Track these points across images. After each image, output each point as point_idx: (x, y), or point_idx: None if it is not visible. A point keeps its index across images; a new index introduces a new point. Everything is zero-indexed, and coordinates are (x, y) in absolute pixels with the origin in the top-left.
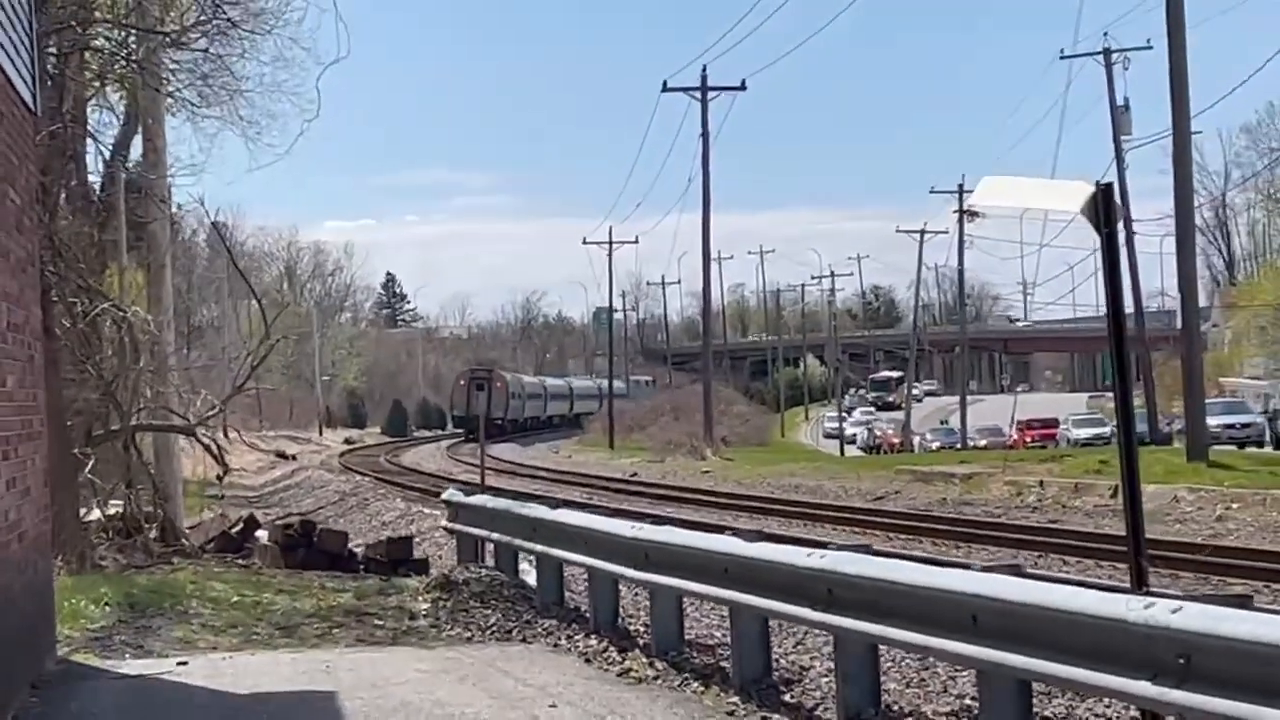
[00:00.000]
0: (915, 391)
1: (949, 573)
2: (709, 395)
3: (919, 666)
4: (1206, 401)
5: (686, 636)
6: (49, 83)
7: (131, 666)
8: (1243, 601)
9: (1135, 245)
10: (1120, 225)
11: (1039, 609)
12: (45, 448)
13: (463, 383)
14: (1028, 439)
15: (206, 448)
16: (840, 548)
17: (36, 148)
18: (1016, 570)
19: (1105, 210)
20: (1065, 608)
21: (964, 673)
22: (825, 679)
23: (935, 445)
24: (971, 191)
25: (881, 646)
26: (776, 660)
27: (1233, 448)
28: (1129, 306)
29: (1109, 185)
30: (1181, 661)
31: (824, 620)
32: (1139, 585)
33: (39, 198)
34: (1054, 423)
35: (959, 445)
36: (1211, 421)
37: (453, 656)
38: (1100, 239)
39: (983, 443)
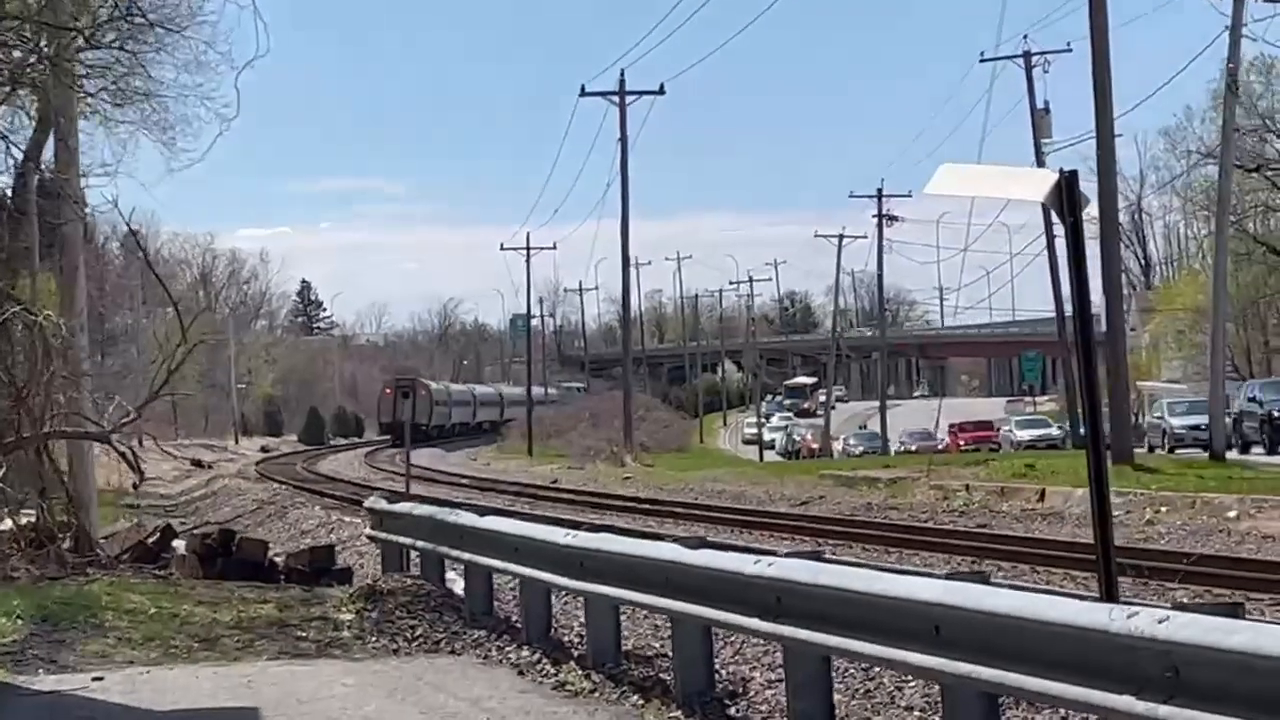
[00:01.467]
0: (831, 397)
1: (909, 580)
2: (629, 401)
3: (864, 676)
4: (1168, 402)
5: (624, 647)
6: None
7: (45, 682)
8: (1234, 610)
9: (1055, 249)
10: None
11: (1010, 619)
12: None
13: (388, 391)
14: (961, 442)
15: (122, 455)
16: (789, 554)
17: None
18: (982, 578)
19: (1069, 198)
20: (1041, 617)
21: (913, 682)
22: (771, 690)
23: (859, 450)
24: (891, 196)
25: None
26: (717, 671)
27: (1198, 451)
28: (1052, 311)
29: (1074, 172)
30: (1169, 675)
31: (773, 630)
32: (1109, 595)
33: None
34: (989, 425)
35: (878, 450)
36: (1175, 423)
37: (380, 669)
38: (1065, 227)
39: (913, 447)
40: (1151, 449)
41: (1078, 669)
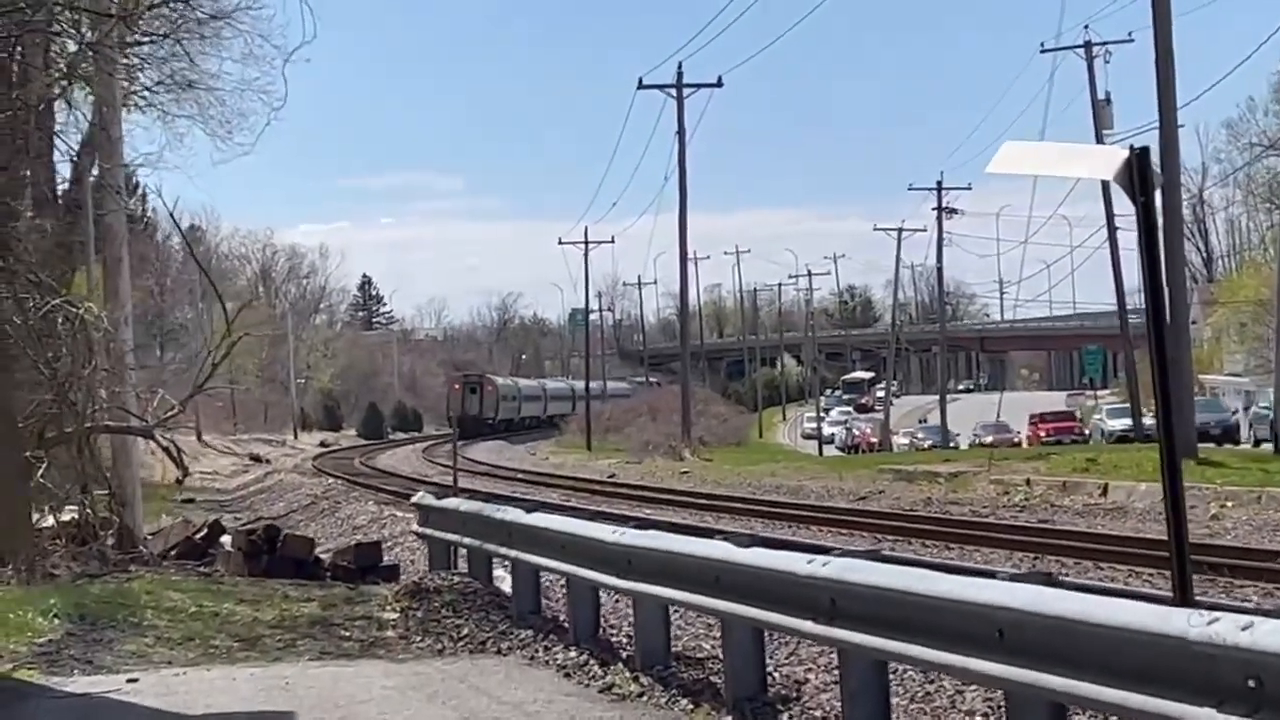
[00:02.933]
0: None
1: (972, 582)
2: (687, 396)
3: (923, 679)
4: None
5: (674, 648)
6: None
7: (77, 684)
8: None
9: (1117, 241)
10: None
11: (1078, 623)
12: None
13: (456, 386)
14: (1042, 434)
15: (166, 450)
16: (845, 553)
17: None
18: (1049, 579)
19: (1141, 177)
20: (1111, 623)
21: (974, 686)
22: (825, 694)
23: (927, 444)
24: (950, 189)
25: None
26: (770, 674)
27: (1210, 445)
28: (1112, 305)
29: (1145, 149)
30: (1253, 686)
31: (827, 634)
32: (1184, 597)
33: None
34: (1070, 415)
35: (951, 444)
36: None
37: (422, 671)
38: (1136, 207)
39: (988, 439)
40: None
41: (1152, 678)
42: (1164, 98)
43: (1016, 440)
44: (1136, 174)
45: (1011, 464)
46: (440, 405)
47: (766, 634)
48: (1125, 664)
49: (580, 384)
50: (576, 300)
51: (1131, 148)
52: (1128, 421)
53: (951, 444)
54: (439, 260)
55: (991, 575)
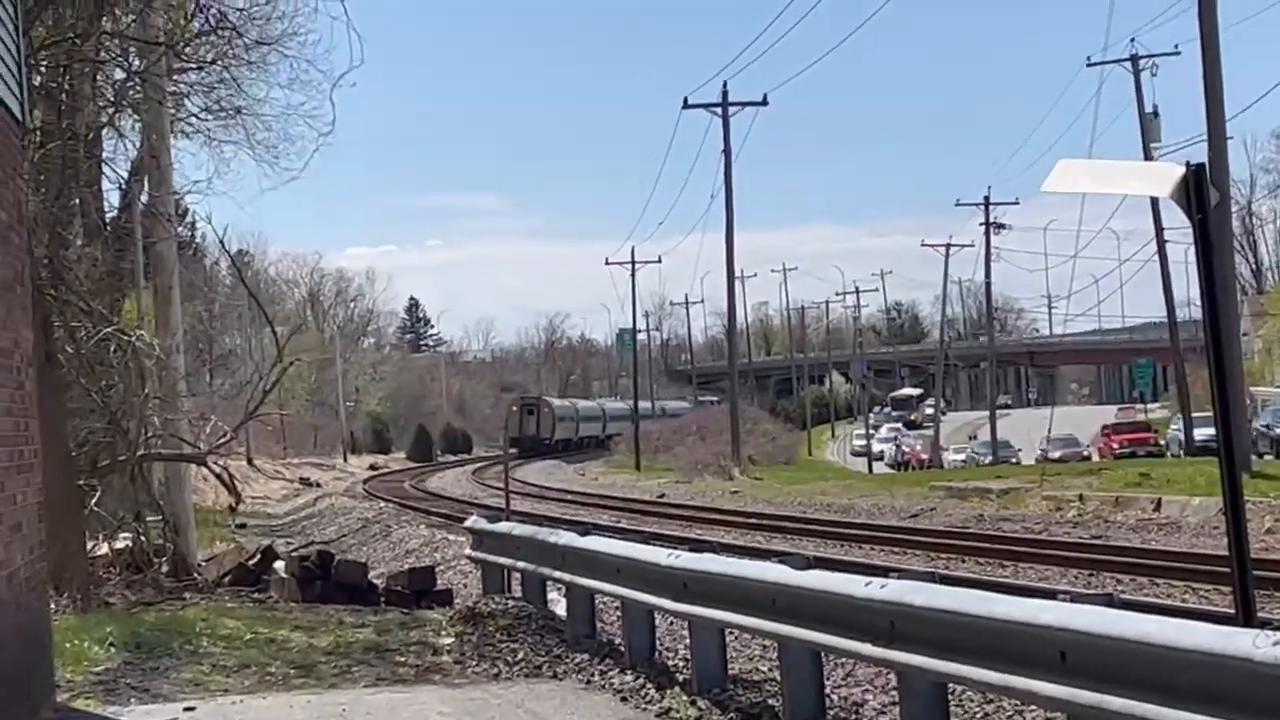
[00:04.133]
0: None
1: (1032, 603)
2: (735, 414)
3: (982, 700)
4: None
5: (730, 671)
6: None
7: (134, 713)
8: None
9: (1166, 254)
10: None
11: (1140, 645)
12: (39, 481)
13: (514, 408)
14: (1115, 445)
15: (218, 477)
16: (903, 575)
17: (35, 165)
18: (1109, 599)
19: (1197, 193)
20: (1173, 644)
21: (1033, 709)
22: (884, 717)
23: (986, 459)
24: (998, 204)
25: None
26: (828, 695)
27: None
28: (1162, 317)
29: (1200, 166)
30: None
31: (886, 656)
32: (1246, 617)
33: (37, 218)
34: (1145, 426)
35: (1012, 460)
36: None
37: (479, 697)
38: (1193, 224)
39: (1056, 454)
40: (1260, 455)
41: (1217, 699)
42: (1212, 110)
43: (1086, 454)
44: (1193, 191)
45: (1063, 479)
46: (488, 427)
47: (824, 656)
48: (1189, 686)
49: (654, 404)
50: (624, 320)
51: (1187, 164)
52: (1210, 431)
53: (1012, 460)
54: (486, 282)
55: (1051, 595)
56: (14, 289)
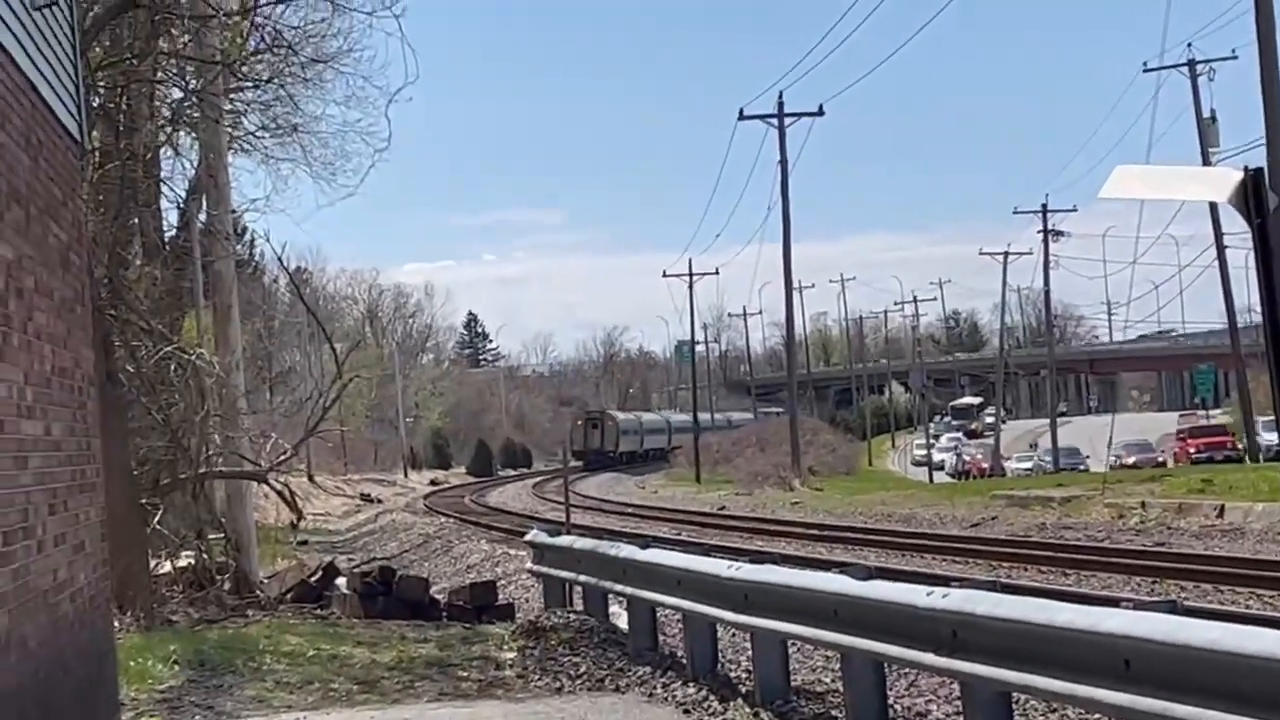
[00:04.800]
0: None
1: (1095, 611)
2: (795, 425)
3: (1046, 709)
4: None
5: (793, 682)
6: (120, 120)
7: None
8: None
9: (1226, 259)
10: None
11: (1205, 652)
12: (102, 500)
13: (579, 423)
14: (1191, 450)
15: (279, 494)
16: (965, 584)
17: (94, 186)
18: (1172, 606)
19: (1256, 198)
20: (1239, 650)
21: (1098, 717)
22: None
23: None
24: (1056, 211)
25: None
26: (891, 705)
27: None
28: (1223, 322)
29: (1259, 170)
30: None
31: (949, 666)
32: None
33: (97, 238)
34: (1222, 430)
35: (1081, 467)
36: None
37: (541, 710)
38: (1252, 229)
39: (1129, 460)
40: None
41: None
42: (1270, 114)
43: (1161, 459)
44: (1251, 195)
45: (1125, 486)
46: (547, 441)
47: (886, 666)
48: (1254, 692)
49: (714, 416)
50: (682, 333)
51: (1245, 169)
52: (1272, 437)
53: (1080, 467)
54: (544, 296)
55: (1115, 603)
56: (74, 309)
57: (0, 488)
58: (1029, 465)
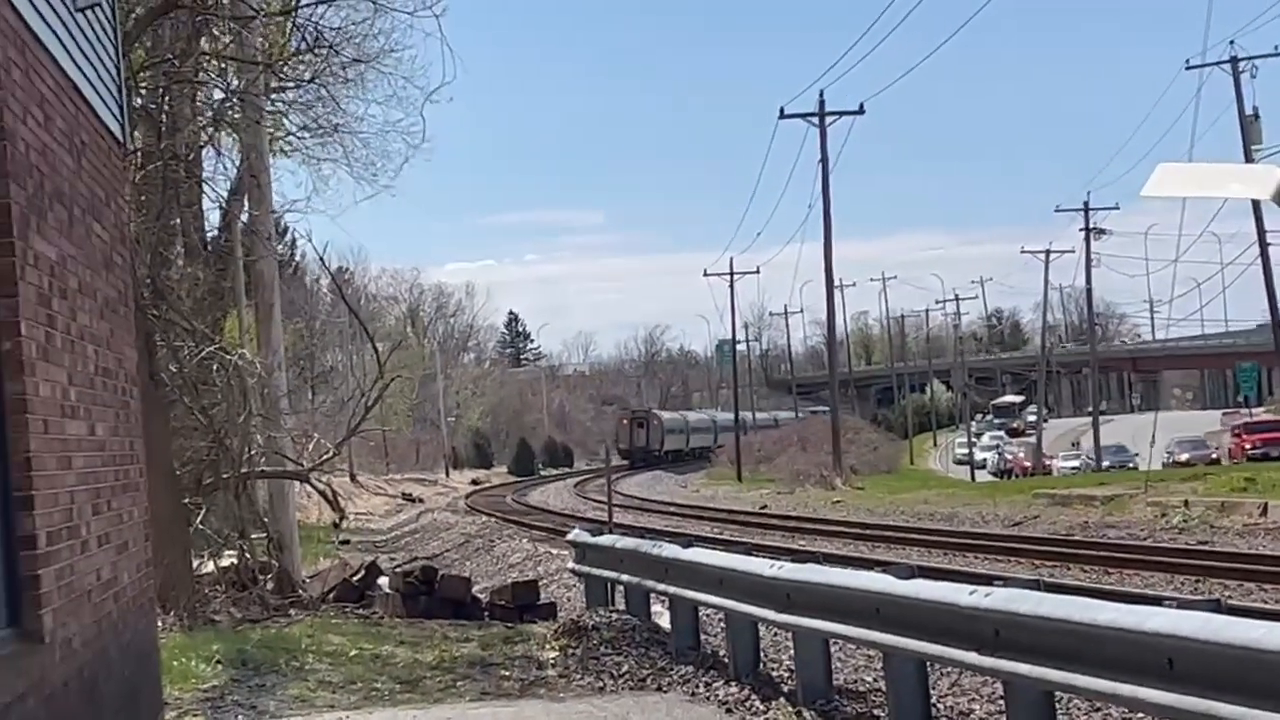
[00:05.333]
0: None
1: (1138, 610)
2: (837, 424)
3: (1089, 707)
4: None
5: (835, 682)
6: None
7: None
8: None
9: (1270, 257)
10: None
11: (1249, 651)
12: (145, 500)
13: (625, 422)
14: (1247, 446)
15: (321, 493)
16: (1008, 584)
17: (136, 186)
18: (1216, 605)
19: None
20: None
21: (1141, 716)
22: None
23: (1105, 465)
24: (1098, 209)
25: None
26: (934, 705)
27: None
28: (1266, 320)
29: None
30: None
31: (992, 665)
32: None
33: (139, 238)
34: (1277, 425)
35: (1131, 465)
36: None
37: (584, 710)
38: None
39: (1183, 457)
40: None
41: None
42: None
43: (1215, 455)
44: None
45: (1168, 485)
46: (589, 440)
47: (929, 665)
48: None
49: (756, 414)
50: (723, 331)
51: None
52: None
53: (1130, 464)
54: (585, 295)
55: (1157, 602)
56: (118, 309)
57: (45, 488)
58: (1076, 463)
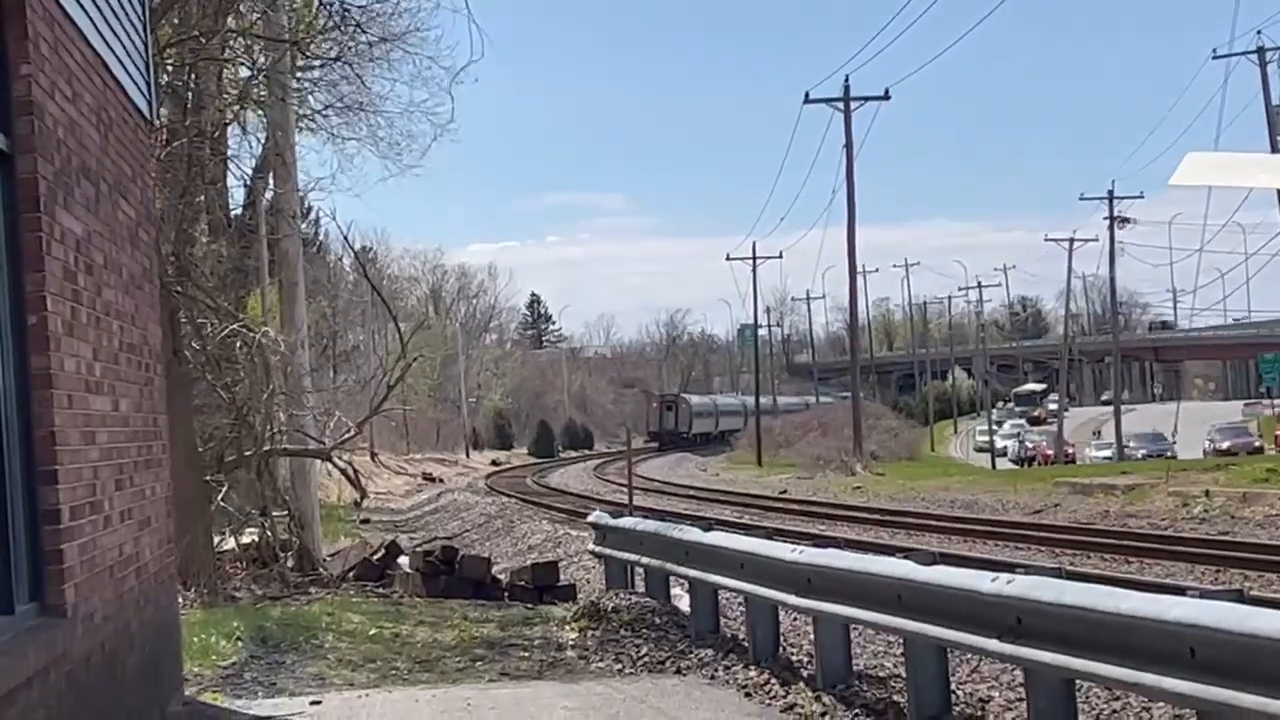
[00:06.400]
0: (1056, 403)
1: (1161, 599)
2: (858, 409)
3: (1109, 696)
4: None
5: (855, 666)
6: (188, 97)
7: (261, 707)
8: None
9: None
10: None
11: (1272, 641)
12: (167, 476)
13: (654, 405)
14: None
15: (343, 472)
16: (1030, 571)
17: (161, 163)
18: (1239, 595)
19: None
20: None
21: (1160, 706)
22: (1010, 713)
23: (1141, 454)
24: (1122, 198)
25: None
26: (954, 691)
27: None
28: None
29: None
30: None
31: (1013, 652)
32: None
33: (164, 215)
34: None
35: (1167, 453)
36: None
37: (602, 691)
38: None
39: (1224, 445)
40: None
41: None
42: None
43: (1258, 444)
44: None
45: (1190, 474)
46: (609, 422)
47: (949, 651)
48: None
49: (786, 399)
50: (745, 316)
51: None
52: None
53: (1168, 453)
54: (607, 278)
55: (1179, 591)
56: (142, 286)
57: (68, 463)
58: (1108, 453)
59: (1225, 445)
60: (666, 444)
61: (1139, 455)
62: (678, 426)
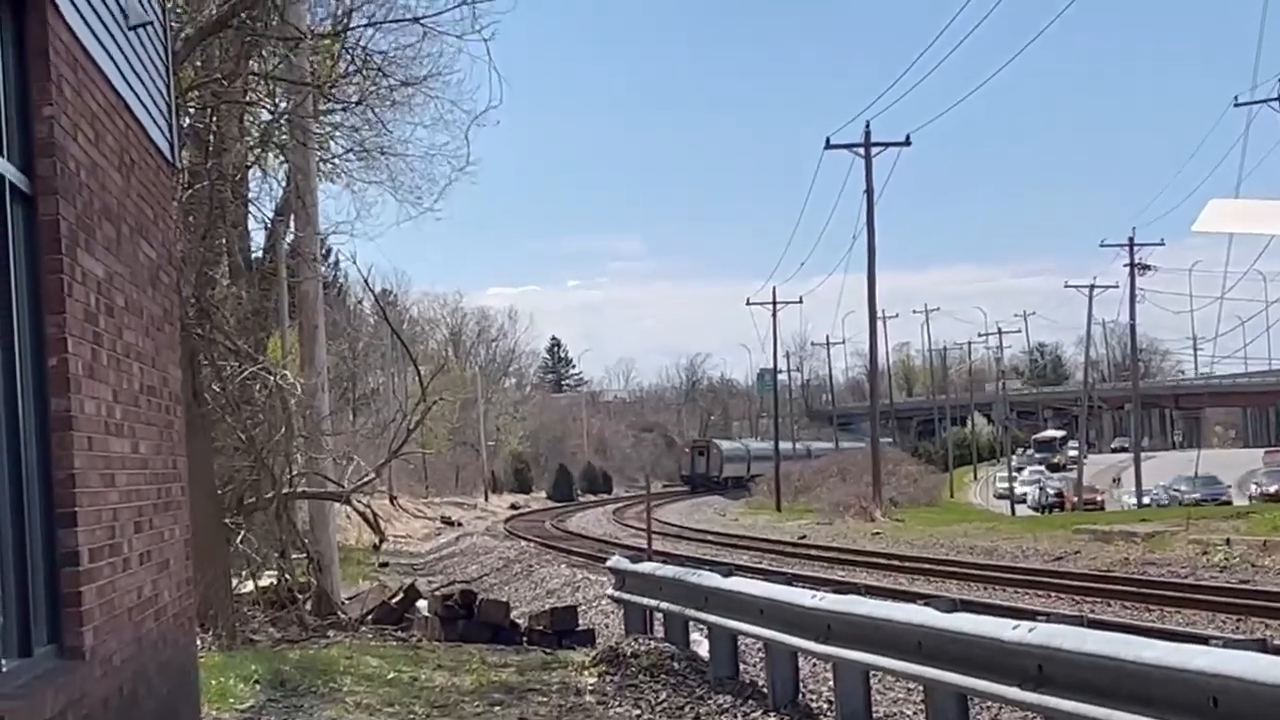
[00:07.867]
0: (1076, 450)
1: (1183, 648)
2: (877, 455)
3: None
4: None
5: (875, 714)
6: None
7: None
8: None
9: None
10: None
11: None
12: (186, 518)
13: (687, 450)
14: None
15: (362, 515)
16: (1052, 619)
17: (183, 205)
18: (1262, 645)
19: None
20: None
21: None
22: None
23: (1194, 498)
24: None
25: None
26: None
27: None
28: None
29: None
30: None
31: (1035, 701)
32: None
33: (185, 257)
34: None
35: (1223, 498)
36: None
37: None
38: None
39: (1272, 489)
40: None
41: None
42: None
43: None
44: None
45: (1210, 522)
46: (629, 466)
47: (970, 699)
48: None
49: (815, 444)
50: (764, 361)
51: None
52: None
53: (1223, 498)
54: (627, 322)
55: (1202, 640)
56: (163, 327)
57: (88, 505)
58: (1144, 501)
59: (1274, 489)
60: (698, 487)
61: (1185, 499)
62: (709, 470)
